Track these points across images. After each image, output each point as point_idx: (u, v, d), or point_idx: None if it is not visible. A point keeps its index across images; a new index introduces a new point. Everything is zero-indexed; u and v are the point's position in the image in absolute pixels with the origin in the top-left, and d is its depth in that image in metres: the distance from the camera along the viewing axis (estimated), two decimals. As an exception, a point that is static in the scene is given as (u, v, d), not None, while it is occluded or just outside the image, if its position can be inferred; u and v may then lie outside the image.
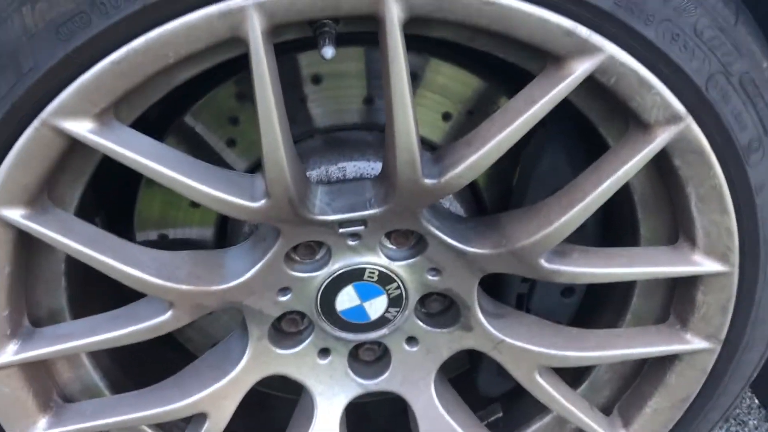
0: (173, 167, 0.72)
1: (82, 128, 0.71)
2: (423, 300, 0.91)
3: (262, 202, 0.75)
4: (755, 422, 1.39)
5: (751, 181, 0.76)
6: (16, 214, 0.75)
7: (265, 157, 0.71)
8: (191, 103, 0.89)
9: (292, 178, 0.74)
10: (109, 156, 0.73)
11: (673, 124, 0.72)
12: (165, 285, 0.79)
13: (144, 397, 0.89)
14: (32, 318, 0.86)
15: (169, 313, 0.82)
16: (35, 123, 0.71)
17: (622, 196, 0.87)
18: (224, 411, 0.91)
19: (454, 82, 0.92)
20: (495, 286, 0.97)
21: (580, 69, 0.70)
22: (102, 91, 0.70)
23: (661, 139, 0.73)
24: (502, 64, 0.78)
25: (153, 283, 0.79)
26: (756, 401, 1.36)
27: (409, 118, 0.71)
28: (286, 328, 0.94)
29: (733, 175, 0.76)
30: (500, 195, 0.98)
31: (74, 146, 0.74)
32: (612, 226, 0.94)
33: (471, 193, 0.99)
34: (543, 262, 0.81)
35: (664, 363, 0.91)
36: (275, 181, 0.73)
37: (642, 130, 0.74)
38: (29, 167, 0.73)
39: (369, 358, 0.98)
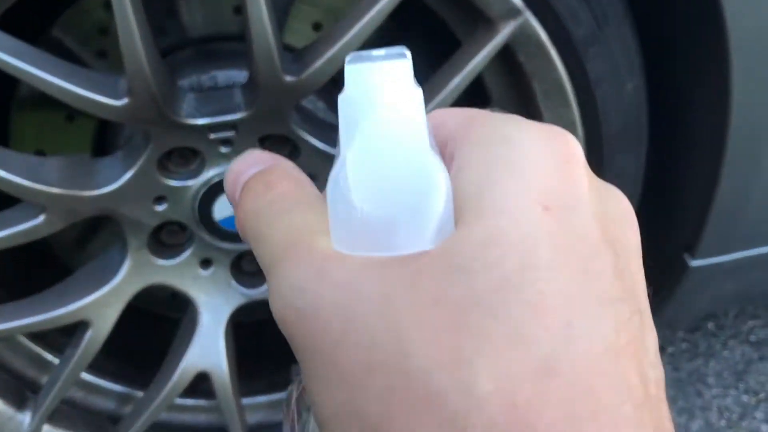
0: (34, 64, 0.74)
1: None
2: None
3: (125, 100, 0.77)
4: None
5: (590, 75, 0.82)
6: None
7: (123, 51, 0.73)
8: (58, 15, 0.90)
9: (154, 75, 0.76)
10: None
11: (513, 19, 0.77)
12: (35, 187, 0.80)
13: (22, 307, 0.90)
14: None
15: (41, 218, 0.83)
16: None
17: (483, 101, 0.92)
18: (106, 320, 0.93)
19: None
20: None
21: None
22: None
23: (503, 33, 0.78)
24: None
25: (22, 185, 0.80)
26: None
27: (262, 14, 0.74)
28: (166, 240, 0.96)
29: (573, 69, 0.81)
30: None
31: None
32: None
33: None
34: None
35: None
36: (135, 77, 0.75)
37: (486, 26, 0.79)
38: None
39: (252, 268, 1.02)
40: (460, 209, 0.25)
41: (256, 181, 0.29)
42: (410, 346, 0.22)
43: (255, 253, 0.28)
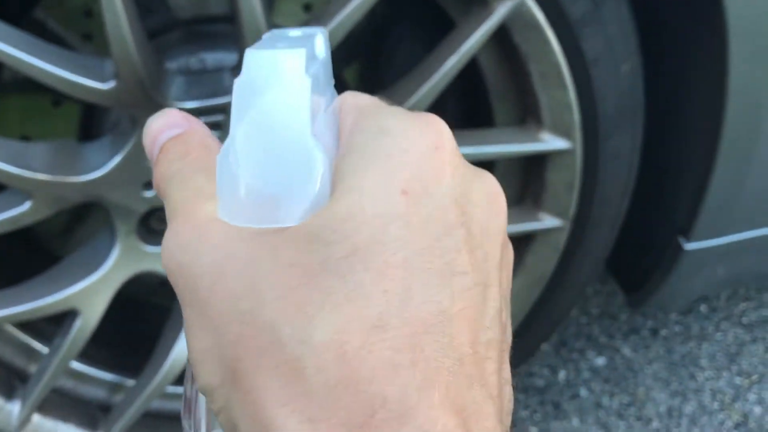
0: (17, 46, 0.72)
1: None
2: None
3: (112, 83, 0.75)
4: (626, 316, 1.49)
5: (586, 56, 0.81)
6: None
7: (109, 34, 0.71)
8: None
9: (141, 58, 0.74)
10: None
11: (508, -2, 0.76)
12: (20, 174, 0.79)
13: (9, 295, 0.89)
14: None
15: (27, 204, 0.82)
16: None
17: (476, 84, 0.91)
18: (96, 308, 0.92)
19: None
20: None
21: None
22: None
23: (498, 13, 0.76)
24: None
25: (7, 171, 0.78)
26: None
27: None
28: (156, 226, 0.95)
29: (569, 49, 0.80)
30: (370, 90, 1.01)
31: None
32: (470, 117, 0.98)
33: (343, 89, 1.01)
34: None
35: (520, 244, 0.97)
36: (122, 60, 0.73)
37: (481, 6, 0.78)
38: None
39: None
40: (335, 186, 0.28)
41: (173, 145, 0.32)
42: (263, 302, 0.26)
43: (166, 210, 0.31)
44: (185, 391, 0.34)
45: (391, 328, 0.25)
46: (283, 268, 0.26)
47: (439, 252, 0.27)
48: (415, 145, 0.29)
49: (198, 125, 0.33)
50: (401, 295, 0.26)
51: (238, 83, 0.28)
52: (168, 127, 0.33)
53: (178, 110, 0.34)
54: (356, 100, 0.32)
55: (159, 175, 0.32)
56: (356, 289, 0.25)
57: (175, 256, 0.28)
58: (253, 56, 0.28)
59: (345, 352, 0.25)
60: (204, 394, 0.28)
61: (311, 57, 0.29)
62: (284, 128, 0.28)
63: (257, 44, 0.29)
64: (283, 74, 0.28)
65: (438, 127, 0.30)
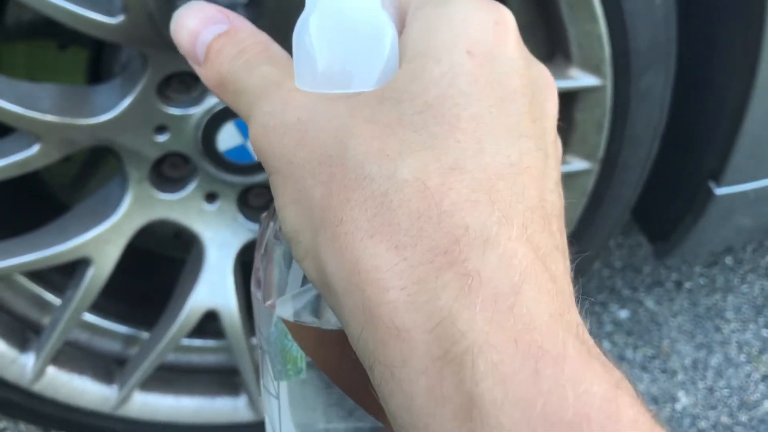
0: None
1: None
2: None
3: (121, 17, 0.72)
4: (649, 269, 1.46)
5: (618, -15, 0.76)
6: None
7: (116, -38, 0.68)
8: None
9: (150, -10, 0.70)
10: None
11: None
12: (27, 114, 0.76)
13: (20, 244, 0.86)
14: None
15: (36, 148, 0.79)
16: None
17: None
18: (108, 256, 0.89)
19: None
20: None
21: None
22: None
23: (526, -62, 0.72)
24: None
25: (15, 112, 0.75)
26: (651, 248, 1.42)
27: None
28: (169, 173, 0.92)
29: (601, -22, 0.76)
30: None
31: None
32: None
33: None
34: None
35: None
36: (130, -9, 0.69)
37: (508, -69, 0.73)
38: None
39: (260, 202, 0.97)
40: (401, 57, 0.30)
41: (224, 45, 0.33)
42: (348, 147, 0.28)
43: (235, 106, 0.33)
44: (255, 262, 0.36)
45: (467, 171, 0.27)
46: (364, 123, 0.28)
47: (506, 112, 0.28)
48: (477, 16, 0.30)
49: (239, 20, 0.34)
50: (473, 145, 0.27)
51: None
52: (208, 23, 0.33)
53: (208, 2, 0.34)
54: None
55: (216, 74, 0.33)
56: (431, 139, 0.27)
57: (264, 123, 0.30)
58: None
59: (426, 188, 0.26)
60: (291, 240, 0.30)
61: None
62: (355, 5, 0.29)
63: None
64: None
65: (501, 7, 0.31)
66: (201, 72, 0.34)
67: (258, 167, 0.91)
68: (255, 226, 0.96)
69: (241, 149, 0.89)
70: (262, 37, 0.33)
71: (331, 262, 0.27)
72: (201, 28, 0.33)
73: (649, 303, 1.39)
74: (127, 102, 0.80)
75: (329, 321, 0.33)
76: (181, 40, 0.34)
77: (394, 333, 0.25)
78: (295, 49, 0.30)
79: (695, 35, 0.91)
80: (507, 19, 0.31)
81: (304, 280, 0.34)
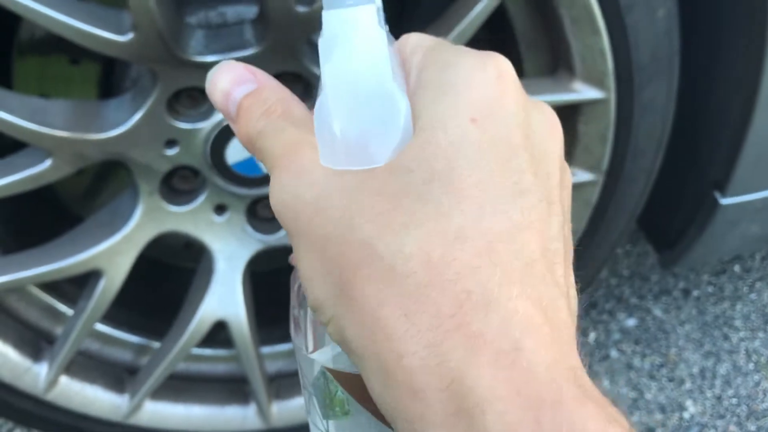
0: (33, -1, 0.70)
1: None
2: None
3: (130, 36, 0.73)
4: (657, 277, 1.46)
5: (620, 0, 0.77)
6: None
7: (126, -18, 0.69)
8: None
9: (159, 9, 0.72)
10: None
11: (539, -62, 0.73)
12: (39, 130, 0.77)
13: (33, 256, 0.88)
14: None
15: (48, 162, 0.80)
16: None
17: (505, 34, 0.88)
18: (119, 268, 0.91)
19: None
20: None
21: None
22: None
23: (528, -45, 0.73)
24: None
25: (28, 128, 0.77)
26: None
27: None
28: (179, 185, 0.93)
29: (602, -7, 0.77)
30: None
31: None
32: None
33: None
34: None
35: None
36: (140, 11, 0.71)
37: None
38: None
39: (268, 214, 0.98)
40: (414, 124, 0.32)
41: (252, 103, 0.35)
42: (357, 225, 0.30)
43: (262, 163, 0.35)
44: (292, 313, 0.39)
45: (469, 239, 0.29)
46: (372, 196, 0.30)
47: (508, 173, 0.30)
48: (478, 76, 0.32)
49: (264, 77, 0.36)
50: (476, 211, 0.29)
51: (322, 42, 0.32)
52: (238, 83, 0.36)
53: (237, 62, 0.37)
54: (421, 40, 0.35)
55: (245, 132, 0.35)
56: (436, 209, 0.29)
57: (282, 196, 0.32)
58: (331, 17, 0.32)
59: (430, 259, 0.29)
60: (314, 309, 0.32)
61: (379, 9, 0.33)
62: (368, 77, 0.31)
63: (325, 3, 0.33)
64: (361, 29, 0.32)
65: (499, 59, 0.33)
66: (235, 128, 0.36)
67: (266, 180, 0.92)
68: (263, 237, 0.97)
69: (249, 162, 0.90)
70: (286, 94, 0.36)
71: (350, 330, 0.30)
72: (231, 88, 0.36)
73: (657, 311, 1.40)
74: (137, 117, 0.82)
75: None
76: (215, 99, 0.36)
77: (411, 393, 0.28)
78: (316, 128, 0.32)
79: (699, 47, 0.91)
80: (506, 71, 0.32)
81: None
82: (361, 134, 0.31)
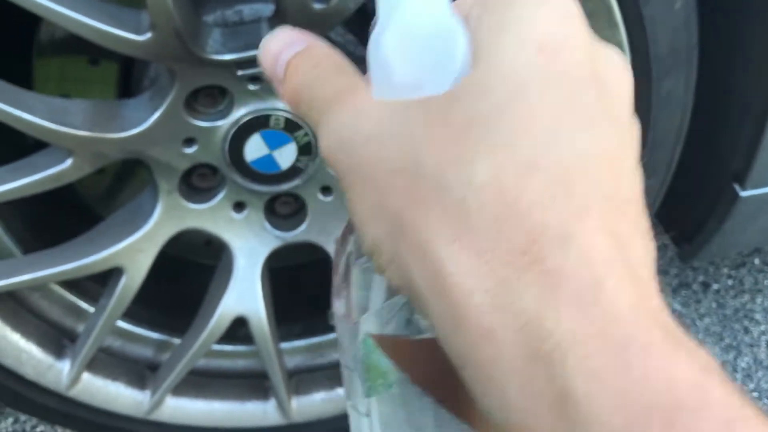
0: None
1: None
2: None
3: (148, 35, 0.74)
4: (676, 271, 1.45)
5: (638, -8, 0.77)
6: None
7: (144, -18, 0.70)
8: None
9: (177, 8, 0.72)
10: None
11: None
12: (60, 130, 0.78)
13: (55, 255, 0.89)
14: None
15: (68, 162, 0.81)
16: None
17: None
18: (140, 265, 0.92)
19: None
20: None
21: None
22: None
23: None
24: None
25: (48, 128, 0.78)
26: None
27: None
28: (198, 183, 0.94)
29: (619, -15, 0.76)
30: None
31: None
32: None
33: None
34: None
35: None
36: (157, 11, 0.71)
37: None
38: None
39: (286, 211, 0.99)
40: (473, 57, 0.30)
41: (301, 60, 0.35)
42: (423, 155, 0.28)
43: (307, 116, 0.34)
44: (334, 284, 0.38)
45: (542, 168, 0.27)
46: (437, 127, 0.29)
47: (578, 105, 0.29)
48: (544, 12, 0.31)
49: (314, 38, 0.36)
50: (547, 141, 0.28)
51: None
52: (288, 46, 0.35)
53: (290, 27, 0.36)
54: None
55: (292, 87, 0.34)
56: (505, 138, 0.28)
57: (338, 135, 0.31)
58: None
59: (503, 189, 0.27)
60: (371, 253, 0.30)
61: None
62: (424, 7, 0.30)
63: None
64: None
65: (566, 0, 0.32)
66: (280, 90, 0.35)
67: (283, 177, 0.92)
68: (281, 234, 0.98)
69: (267, 159, 0.91)
70: (337, 54, 0.35)
71: (415, 268, 0.28)
72: (282, 48, 0.35)
73: (676, 305, 1.39)
74: (156, 116, 0.82)
75: (417, 330, 0.34)
76: (264, 62, 0.36)
77: (482, 335, 0.27)
78: (371, 62, 0.31)
79: (717, 38, 0.91)
80: (573, 9, 0.31)
81: (386, 296, 0.35)
82: (419, 65, 0.30)
